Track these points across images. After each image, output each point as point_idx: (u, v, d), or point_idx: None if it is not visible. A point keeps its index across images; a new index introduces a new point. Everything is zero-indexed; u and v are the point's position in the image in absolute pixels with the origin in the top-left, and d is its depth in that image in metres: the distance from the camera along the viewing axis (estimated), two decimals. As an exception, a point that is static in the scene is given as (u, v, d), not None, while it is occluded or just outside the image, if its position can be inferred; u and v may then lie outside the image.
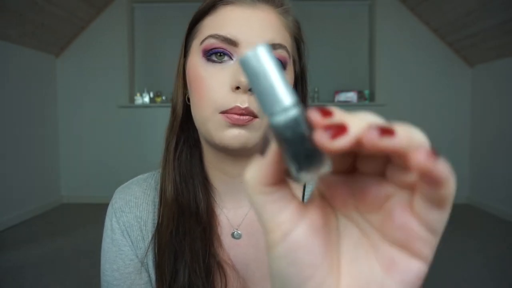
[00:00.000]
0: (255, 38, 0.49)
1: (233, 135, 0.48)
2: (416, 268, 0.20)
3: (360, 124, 0.18)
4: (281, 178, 0.20)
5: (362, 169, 0.21)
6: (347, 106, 4.41)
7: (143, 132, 4.38)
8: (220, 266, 0.52)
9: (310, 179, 0.19)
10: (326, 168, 0.19)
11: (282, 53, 0.50)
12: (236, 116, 0.47)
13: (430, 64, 4.40)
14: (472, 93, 4.36)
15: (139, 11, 4.59)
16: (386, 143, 0.17)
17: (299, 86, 0.58)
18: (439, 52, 4.38)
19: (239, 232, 0.56)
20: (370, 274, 0.20)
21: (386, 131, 0.17)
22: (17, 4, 3.26)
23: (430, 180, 0.17)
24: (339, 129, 0.17)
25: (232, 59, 0.49)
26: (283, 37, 0.51)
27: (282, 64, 0.50)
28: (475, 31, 3.78)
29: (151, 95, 4.51)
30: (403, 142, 0.17)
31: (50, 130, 4.32)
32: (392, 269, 0.20)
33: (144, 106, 4.48)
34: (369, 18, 4.57)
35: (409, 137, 0.18)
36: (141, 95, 4.51)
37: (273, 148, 0.19)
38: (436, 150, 0.17)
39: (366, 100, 4.48)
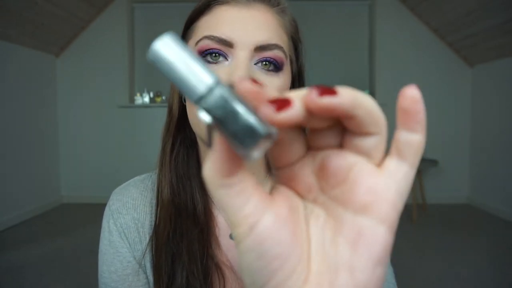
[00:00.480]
0: (251, 38, 0.48)
1: None
2: (382, 236, 0.19)
3: (301, 92, 0.19)
4: (237, 166, 0.19)
5: (319, 143, 0.21)
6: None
7: (143, 132, 4.38)
8: (218, 267, 0.52)
9: (259, 153, 0.18)
10: (272, 137, 0.18)
11: (278, 53, 0.49)
12: None
13: (430, 64, 4.40)
14: (472, 93, 4.35)
15: (139, 11, 4.59)
16: (327, 101, 0.18)
17: (297, 86, 0.57)
18: (439, 52, 4.38)
19: (237, 234, 0.56)
20: (338, 255, 0.20)
21: (326, 91, 0.18)
22: (17, 4, 3.26)
23: (412, 115, 0.20)
24: (284, 102, 0.18)
25: (227, 60, 0.48)
26: (280, 37, 0.50)
27: (278, 65, 0.50)
28: (475, 31, 3.78)
29: (151, 95, 4.51)
30: (345, 101, 0.18)
31: (50, 130, 4.32)
32: (358, 243, 0.19)
33: (144, 106, 4.47)
34: (369, 18, 4.57)
35: (353, 98, 0.18)
36: (141, 95, 4.51)
37: (217, 136, 0.19)
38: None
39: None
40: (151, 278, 0.54)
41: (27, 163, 3.84)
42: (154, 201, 0.57)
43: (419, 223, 3.53)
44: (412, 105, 0.19)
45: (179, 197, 0.54)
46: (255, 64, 0.49)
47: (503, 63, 3.80)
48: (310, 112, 0.18)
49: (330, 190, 0.21)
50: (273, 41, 0.49)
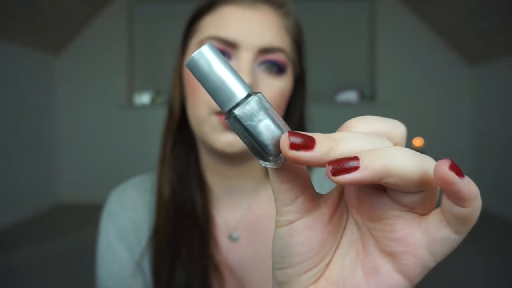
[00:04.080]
0: (254, 40, 0.48)
1: (228, 142, 0.48)
2: (397, 284, 0.20)
3: (378, 158, 0.17)
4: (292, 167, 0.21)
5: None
6: (347, 107, 4.41)
7: (143, 133, 4.38)
8: (217, 268, 0.52)
9: (277, 165, 0.19)
10: (278, 164, 0.19)
11: (280, 56, 0.49)
12: None
13: (430, 63, 4.40)
14: (473, 92, 4.35)
15: (139, 10, 4.59)
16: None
17: (299, 88, 0.57)
18: (439, 51, 4.38)
19: (236, 234, 0.56)
20: (351, 275, 0.21)
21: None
22: (16, 3, 3.26)
23: (452, 195, 0.17)
24: (351, 162, 0.17)
25: (231, 60, 0.49)
26: (283, 40, 0.50)
27: (280, 67, 0.50)
28: (476, 30, 3.78)
29: (151, 95, 4.51)
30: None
31: (49, 130, 4.32)
32: (372, 276, 0.20)
33: (144, 106, 4.47)
34: (369, 17, 4.57)
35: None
36: (141, 95, 4.51)
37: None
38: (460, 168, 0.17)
39: (365, 98, 4.48)
40: (149, 279, 0.54)
41: (25, 163, 3.84)
42: (153, 202, 0.56)
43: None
44: (447, 187, 0.17)
45: (178, 197, 0.54)
46: (258, 65, 0.49)
47: (505, 62, 3.80)
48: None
49: (366, 221, 0.21)
50: (276, 44, 0.49)
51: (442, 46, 4.37)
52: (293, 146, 0.17)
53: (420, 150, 3.97)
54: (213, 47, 0.20)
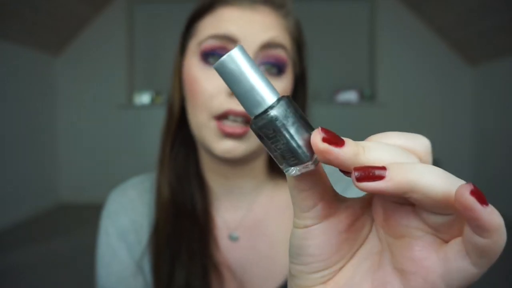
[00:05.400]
0: (255, 37, 0.48)
1: (227, 149, 0.48)
2: None
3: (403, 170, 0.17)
4: (310, 175, 0.21)
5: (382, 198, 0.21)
6: (347, 107, 4.41)
7: (143, 133, 4.37)
8: (217, 268, 0.52)
9: (298, 172, 0.19)
10: (311, 167, 0.19)
11: (281, 53, 0.49)
12: (230, 129, 0.46)
13: (431, 63, 4.40)
14: (473, 92, 4.35)
15: (139, 10, 4.59)
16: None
17: (300, 88, 0.57)
18: (440, 51, 4.38)
19: (236, 234, 0.55)
20: (358, 284, 0.21)
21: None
22: (16, 3, 3.26)
23: (472, 222, 0.16)
24: (377, 170, 0.17)
25: None
26: (283, 38, 0.50)
27: (281, 66, 0.49)
28: (477, 30, 3.77)
29: (151, 95, 4.51)
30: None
31: (49, 130, 4.32)
32: None
33: (144, 106, 4.47)
34: (369, 17, 4.57)
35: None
36: (141, 95, 4.50)
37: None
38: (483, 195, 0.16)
39: (365, 98, 4.48)
40: (149, 280, 0.54)
41: (25, 163, 3.84)
42: (153, 202, 0.56)
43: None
44: (467, 214, 0.16)
45: (178, 197, 0.54)
46: (258, 66, 0.49)
47: (505, 62, 3.80)
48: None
49: (388, 237, 0.21)
50: (277, 40, 0.49)
51: (442, 46, 4.37)
52: (325, 140, 0.17)
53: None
54: (243, 50, 0.19)
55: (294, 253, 0.22)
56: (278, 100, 0.19)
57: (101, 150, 4.47)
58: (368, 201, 0.22)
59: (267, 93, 0.19)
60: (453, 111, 4.40)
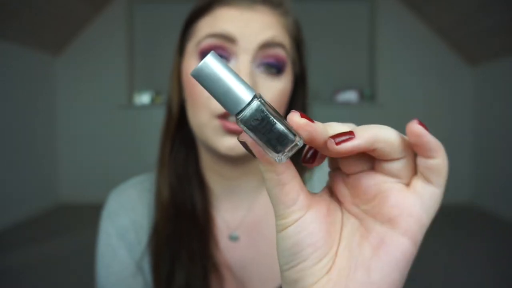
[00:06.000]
0: (253, 36, 0.47)
1: (231, 146, 0.48)
2: (403, 245, 0.22)
3: (367, 131, 0.22)
4: (287, 166, 0.23)
5: (353, 170, 0.24)
6: (347, 107, 4.41)
7: (143, 133, 4.37)
8: (217, 268, 0.52)
9: (288, 155, 0.21)
10: (299, 144, 0.21)
11: (280, 52, 0.49)
12: (233, 126, 0.46)
13: (431, 63, 4.39)
14: (473, 92, 4.35)
15: (139, 10, 4.59)
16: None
17: (300, 87, 0.57)
18: (439, 51, 4.38)
19: (236, 234, 0.55)
20: (360, 256, 0.23)
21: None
22: (16, 3, 3.26)
23: (422, 146, 0.21)
24: (348, 135, 0.21)
25: (229, 62, 0.48)
26: (282, 37, 0.50)
27: (280, 65, 0.49)
28: (477, 30, 3.77)
29: (151, 95, 4.51)
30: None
31: (48, 130, 4.32)
32: (380, 248, 0.22)
33: (144, 106, 4.47)
34: (369, 17, 4.57)
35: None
36: (141, 95, 4.50)
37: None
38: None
39: (365, 98, 4.48)
40: (149, 280, 0.54)
41: (25, 163, 3.84)
42: (153, 202, 0.56)
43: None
44: (417, 139, 0.21)
45: (178, 198, 0.54)
46: (257, 67, 0.49)
47: (506, 62, 3.80)
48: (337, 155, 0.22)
49: (361, 205, 0.24)
50: (277, 39, 0.49)
51: (442, 46, 4.37)
52: (302, 116, 0.21)
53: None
54: (216, 55, 0.21)
55: (291, 254, 0.23)
56: (256, 95, 0.21)
57: (101, 150, 4.47)
58: (330, 191, 0.26)
59: (245, 90, 0.21)
60: (453, 111, 4.40)
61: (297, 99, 0.56)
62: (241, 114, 0.21)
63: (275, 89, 0.49)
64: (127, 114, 4.47)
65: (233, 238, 0.55)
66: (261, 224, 0.56)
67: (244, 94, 0.21)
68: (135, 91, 4.59)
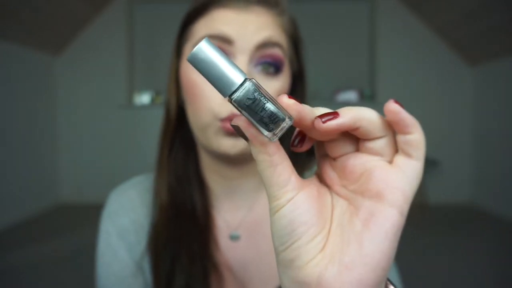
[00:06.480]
0: (250, 37, 0.47)
1: (230, 145, 0.48)
2: (391, 216, 0.23)
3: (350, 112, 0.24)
4: (277, 147, 0.24)
5: (339, 153, 0.26)
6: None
7: (143, 133, 4.37)
8: (217, 268, 0.52)
9: (279, 134, 0.22)
10: (289, 122, 0.22)
11: (278, 52, 0.49)
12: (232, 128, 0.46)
13: (431, 63, 4.39)
14: (473, 92, 4.35)
15: (139, 10, 4.59)
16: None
17: (298, 86, 0.57)
18: (440, 50, 4.38)
19: (237, 234, 0.55)
20: (351, 231, 0.24)
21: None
22: (16, 3, 3.26)
23: (399, 122, 0.23)
24: (333, 115, 0.23)
25: None
26: (279, 37, 0.50)
27: (278, 64, 0.49)
28: (477, 30, 3.77)
29: (151, 95, 4.51)
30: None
31: (49, 130, 4.32)
32: (370, 221, 0.23)
33: (144, 106, 4.47)
34: (369, 17, 4.57)
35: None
36: (141, 95, 4.50)
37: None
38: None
39: (365, 98, 4.48)
40: (149, 280, 0.54)
41: (25, 164, 3.84)
42: (153, 203, 0.56)
43: (419, 224, 3.52)
44: (394, 117, 0.23)
45: (178, 199, 0.54)
46: (254, 67, 0.49)
47: (506, 62, 3.80)
48: (324, 134, 0.24)
49: (349, 185, 0.25)
50: (274, 39, 0.49)
51: (442, 46, 4.37)
52: (290, 97, 0.23)
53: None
54: (209, 41, 0.22)
55: (287, 233, 0.24)
56: (247, 78, 0.22)
57: (101, 150, 4.47)
58: (319, 178, 0.28)
59: (238, 73, 0.22)
60: (453, 111, 4.40)
61: (296, 97, 0.56)
62: (235, 95, 0.22)
63: (273, 88, 0.49)
64: (127, 114, 4.47)
65: (234, 238, 0.55)
66: (261, 224, 0.56)
67: (237, 77, 0.22)
68: (135, 91, 4.59)
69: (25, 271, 2.55)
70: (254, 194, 0.57)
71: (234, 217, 0.56)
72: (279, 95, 0.49)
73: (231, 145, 0.48)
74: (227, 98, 0.22)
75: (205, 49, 0.22)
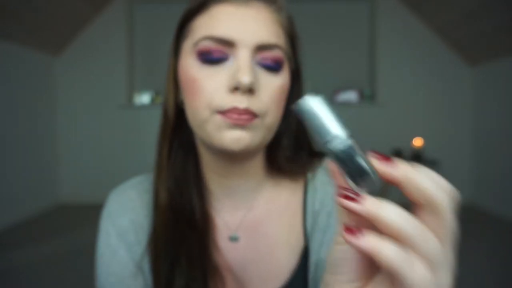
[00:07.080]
0: (251, 37, 0.47)
1: (234, 138, 0.46)
2: None
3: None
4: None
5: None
6: (347, 107, 4.41)
7: (143, 133, 4.37)
8: (217, 270, 0.52)
9: (365, 190, 0.25)
10: (376, 182, 0.25)
11: (278, 53, 0.49)
12: (236, 116, 0.45)
13: (431, 63, 4.40)
14: (473, 92, 4.35)
15: (139, 10, 4.59)
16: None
17: (295, 84, 0.57)
18: (440, 50, 4.38)
19: (237, 235, 0.55)
20: None
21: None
22: (16, 3, 3.26)
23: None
24: (356, 195, 0.26)
25: (227, 60, 0.47)
26: (278, 36, 0.50)
27: (278, 65, 0.49)
28: (477, 30, 3.77)
29: (151, 95, 4.51)
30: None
31: (49, 130, 4.32)
32: None
33: (144, 106, 4.47)
34: (369, 17, 4.57)
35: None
36: (141, 95, 4.50)
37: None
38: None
39: (365, 98, 4.48)
40: (149, 280, 0.53)
41: (25, 164, 3.84)
42: (152, 203, 0.56)
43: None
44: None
45: (176, 201, 0.53)
46: (255, 64, 0.49)
47: (505, 62, 3.80)
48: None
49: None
50: (272, 40, 0.48)
51: (442, 46, 4.37)
52: (383, 161, 0.26)
53: (420, 150, 3.97)
54: (322, 98, 0.27)
55: (337, 264, 0.29)
56: (348, 135, 0.26)
57: (101, 150, 4.47)
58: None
59: (341, 129, 0.26)
60: (453, 111, 4.40)
61: (293, 95, 0.56)
62: (332, 144, 0.25)
63: (275, 85, 0.49)
64: (127, 114, 4.47)
65: (233, 239, 0.55)
66: (261, 224, 0.56)
67: (340, 132, 0.26)
68: (135, 91, 4.59)
69: (25, 271, 2.55)
70: (254, 194, 0.57)
71: (233, 217, 0.56)
72: (281, 91, 0.49)
73: (236, 138, 0.46)
74: (323, 144, 0.26)
75: (315, 104, 0.26)
